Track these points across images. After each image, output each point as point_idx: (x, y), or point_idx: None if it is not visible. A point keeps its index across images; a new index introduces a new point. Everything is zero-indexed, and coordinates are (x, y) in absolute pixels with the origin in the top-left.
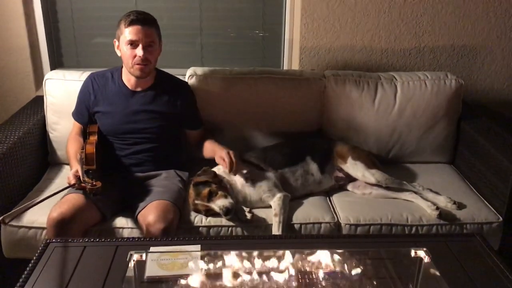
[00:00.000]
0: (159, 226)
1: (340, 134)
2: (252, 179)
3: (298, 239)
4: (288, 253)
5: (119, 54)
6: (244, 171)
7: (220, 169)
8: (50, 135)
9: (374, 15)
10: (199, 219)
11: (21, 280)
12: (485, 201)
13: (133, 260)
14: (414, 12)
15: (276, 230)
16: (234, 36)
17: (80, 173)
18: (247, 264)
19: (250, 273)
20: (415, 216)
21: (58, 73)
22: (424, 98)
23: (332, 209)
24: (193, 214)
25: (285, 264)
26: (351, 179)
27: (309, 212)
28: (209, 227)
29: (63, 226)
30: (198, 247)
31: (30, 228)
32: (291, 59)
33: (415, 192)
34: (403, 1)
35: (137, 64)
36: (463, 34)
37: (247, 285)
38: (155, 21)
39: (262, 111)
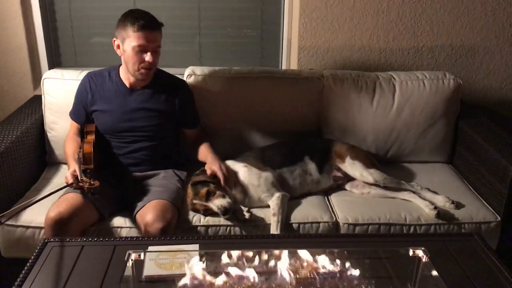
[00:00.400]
0: (157, 225)
1: (339, 133)
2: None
3: (296, 238)
4: (286, 253)
5: (119, 53)
6: (238, 183)
7: None
8: (48, 134)
9: (373, 14)
10: (197, 219)
11: (19, 279)
12: (483, 201)
13: (131, 260)
14: (413, 11)
15: (274, 229)
16: (233, 35)
17: (78, 173)
18: (245, 263)
19: (248, 272)
20: (413, 216)
21: (56, 73)
22: (423, 98)
23: (330, 209)
24: (191, 213)
25: (283, 263)
26: (349, 178)
27: (308, 211)
28: (207, 227)
29: (61, 226)
30: (196, 246)
31: (28, 227)
32: (290, 59)
33: (413, 192)
34: (402, 1)
35: (145, 68)
36: (461, 33)
37: (245, 285)
38: (160, 24)
39: (261, 110)
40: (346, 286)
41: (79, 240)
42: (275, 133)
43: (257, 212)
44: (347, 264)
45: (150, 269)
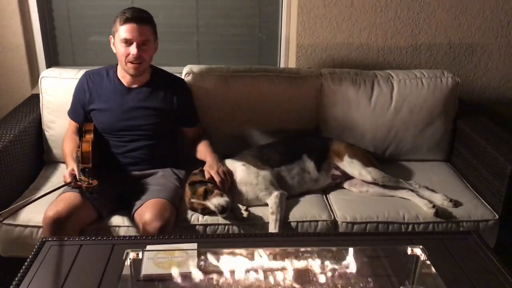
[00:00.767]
0: (155, 224)
1: (337, 132)
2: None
3: (294, 237)
4: (284, 251)
5: (114, 51)
6: (237, 182)
7: None
8: (46, 133)
9: (371, 13)
10: (195, 218)
11: (17, 278)
12: (481, 199)
13: (130, 259)
14: (411, 10)
15: (272, 228)
16: (231, 34)
17: (76, 172)
18: (243, 262)
19: (246, 271)
20: (412, 214)
21: (54, 71)
22: (421, 96)
23: (328, 207)
24: (189, 212)
25: (281, 262)
26: (347, 177)
27: (306, 210)
28: (205, 226)
29: (59, 225)
30: (194, 245)
31: (26, 226)
32: (288, 57)
33: (412, 190)
34: None
35: (130, 62)
36: (459, 32)
37: (244, 283)
38: (150, 19)
39: (259, 109)
40: (344, 284)
41: (77, 239)
42: (273, 131)
43: (255, 210)
44: (345, 263)
45: (148, 268)
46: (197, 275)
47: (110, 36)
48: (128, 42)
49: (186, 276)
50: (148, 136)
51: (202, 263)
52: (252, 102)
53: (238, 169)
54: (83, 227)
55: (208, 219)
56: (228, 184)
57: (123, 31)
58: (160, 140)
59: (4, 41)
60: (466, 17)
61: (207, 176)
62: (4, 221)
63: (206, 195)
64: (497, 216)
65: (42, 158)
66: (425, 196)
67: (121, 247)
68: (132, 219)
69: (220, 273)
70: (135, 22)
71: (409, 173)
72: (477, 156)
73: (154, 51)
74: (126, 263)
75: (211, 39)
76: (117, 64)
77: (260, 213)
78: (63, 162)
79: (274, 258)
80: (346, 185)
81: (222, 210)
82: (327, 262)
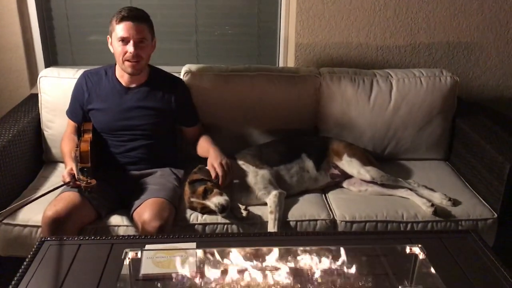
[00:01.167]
0: (154, 224)
1: (336, 131)
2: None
3: (293, 236)
4: (283, 250)
5: (112, 50)
6: (236, 181)
7: None
8: (45, 133)
9: (370, 12)
10: (194, 217)
11: (16, 278)
12: (480, 198)
13: (128, 258)
14: (410, 9)
15: (271, 227)
16: (230, 33)
17: (75, 171)
18: (242, 261)
19: (245, 270)
20: (411, 213)
21: (52, 71)
22: (420, 95)
23: (327, 206)
24: (188, 211)
25: (280, 261)
26: (346, 176)
27: (305, 209)
28: (204, 225)
29: (58, 224)
30: (193, 244)
31: (25, 226)
32: (287, 56)
33: (410, 189)
34: None
35: (128, 60)
36: (458, 31)
37: (243, 283)
38: (147, 17)
39: (258, 108)
40: (343, 283)
41: (76, 238)
42: (272, 131)
43: (255, 210)
44: (344, 262)
45: (147, 268)
46: (196, 275)
47: (108, 36)
48: (125, 41)
49: (185, 275)
50: (146, 135)
51: (201, 262)
52: (251, 101)
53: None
54: (82, 226)
55: (207, 218)
56: (230, 177)
57: (120, 29)
58: (159, 139)
59: (2, 41)
60: (465, 16)
61: (210, 169)
62: (3, 221)
63: (205, 194)
64: (495, 215)
65: (41, 158)
66: (424, 195)
67: (120, 247)
68: (131, 218)
69: (219, 272)
70: (132, 20)
71: (408, 172)
72: (476, 155)
73: (151, 50)
74: (125, 263)
75: (210, 38)
76: (116, 64)
77: (259, 212)
78: (62, 162)
79: (273, 258)
80: (345, 184)
81: (222, 209)
82: (326, 261)
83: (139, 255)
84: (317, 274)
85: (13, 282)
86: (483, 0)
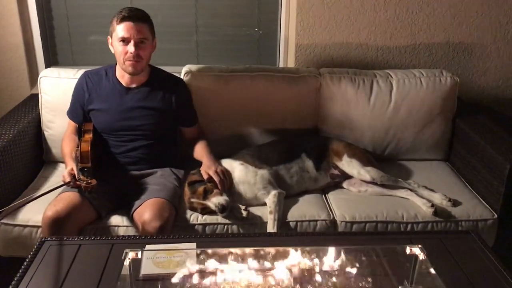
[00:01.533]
0: (154, 224)
1: (336, 131)
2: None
3: (293, 236)
4: (283, 251)
5: (112, 50)
6: (235, 181)
7: None
8: (45, 133)
9: (370, 12)
10: (194, 217)
11: (16, 278)
12: (480, 198)
13: (129, 258)
14: (410, 9)
15: (271, 227)
16: (230, 33)
17: (75, 171)
18: (242, 262)
19: (245, 271)
20: (411, 214)
21: (53, 71)
22: (420, 96)
23: (327, 207)
24: (188, 212)
25: (280, 261)
26: (346, 176)
27: (305, 209)
28: (204, 225)
29: (58, 224)
30: (193, 245)
31: (25, 226)
32: (287, 57)
33: (411, 190)
34: None
35: (129, 60)
36: (458, 31)
37: (243, 283)
38: (147, 17)
39: (258, 108)
40: (343, 284)
41: (76, 239)
42: (272, 131)
43: (255, 210)
44: (344, 262)
45: (147, 268)
46: (196, 275)
47: (108, 36)
48: (125, 41)
49: (185, 275)
50: (147, 136)
51: (201, 262)
52: (251, 101)
53: (236, 168)
54: (82, 226)
55: (207, 218)
56: (227, 183)
57: (120, 29)
58: (159, 140)
59: (3, 41)
60: (465, 16)
61: (205, 177)
62: (3, 221)
63: (205, 194)
64: (495, 216)
65: (41, 158)
66: (424, 196)
67: (120, 247)
68: (131, 218)
69: (219, 272)
70: (132, 20)
71: (408, 172)
72: (476, 156)
73: (152, 50)
74: (125, 263)
75: (210, 38)
76: (116, 64)
77: (259, 212)
78: (62, 162)
79: (273, 258)
80: (345, 184)
81: (222, 209)
82: (326, 262)
83: (139, 255)
84: (317, 275)
85: (13, 282)
86: (483, 1)
